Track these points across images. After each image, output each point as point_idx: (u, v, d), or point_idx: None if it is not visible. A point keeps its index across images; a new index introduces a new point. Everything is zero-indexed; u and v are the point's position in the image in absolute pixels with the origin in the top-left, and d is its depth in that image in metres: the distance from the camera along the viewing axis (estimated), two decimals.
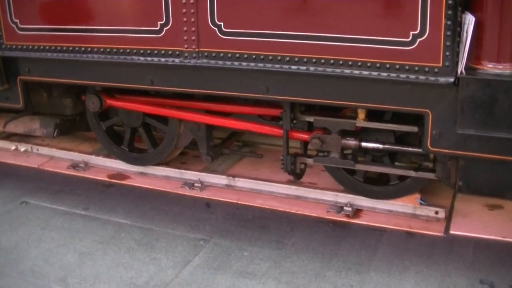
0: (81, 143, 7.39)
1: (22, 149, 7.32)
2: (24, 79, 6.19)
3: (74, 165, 6.81)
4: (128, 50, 5.44)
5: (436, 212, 5.31)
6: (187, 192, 6.08)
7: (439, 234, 5.13)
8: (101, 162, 6.79)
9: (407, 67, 4.46)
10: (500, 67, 4.33)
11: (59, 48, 5.79)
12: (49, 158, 7.13)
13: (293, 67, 4.79)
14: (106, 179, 6.53)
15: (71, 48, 5.73)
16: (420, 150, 4.88)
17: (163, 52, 5.26)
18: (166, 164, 6.49)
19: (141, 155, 6.51)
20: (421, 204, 5.38)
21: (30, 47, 5.94)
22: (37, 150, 7.27)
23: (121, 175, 6.56)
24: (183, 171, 6.32)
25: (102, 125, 6.57)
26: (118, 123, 6.62)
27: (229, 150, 6.36)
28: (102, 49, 5.56)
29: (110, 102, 6.22)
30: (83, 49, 5.67)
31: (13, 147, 7.37)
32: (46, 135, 7.01)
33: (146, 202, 5.92)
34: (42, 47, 5.87)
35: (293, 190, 5.81)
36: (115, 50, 5.50)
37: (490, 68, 4.35)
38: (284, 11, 4.73)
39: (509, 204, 5.43)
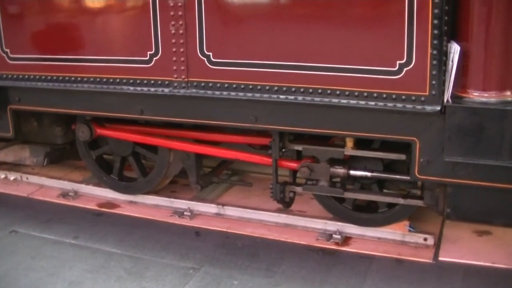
0: (71, 172, 7.39)
1: (12, 178, 7.30)
2: (14, 108, 6.22)
3: (64, 194, 6.80)
4: (118, 80, 5.48)
5: (425, 239, 5.33)
6: (177, 220, 6.08)
7: (428, 260, 5.15)
8: (91, 190, 6.79)
9: (394, 96, 4.51)
10: (486, 95, 4.39)
11: (49, 77, 5.83)
12: (39, 187, 7.12)
13: (281, 96, 4.83)
14: (96, 208, 6.52)
15: (61, 78, 5.77)
16: (408, 177, 4.90)
17: (152, 81, 5.30)
18: (156, 192, 6.49)
19: (131, 184, 6.52)
20: (410, 231, 5.40)
21: (21, 76, 5.98)
22: (27, 178, 7.26)
23: (111, 204, 6.56)
24: (173, 199, 6.34)
25: (92, 154, 6.59)
26: (108, 152, 6.63)
27: (219, 179, 6.37)
28: (92, 79, 5.60)
29: (100, 131, 6.24)
30: (73, 78, 5.70)
31: (3, 176, 7.35)
32: (36, 163, 7.01)
33: (136, 231, 5.91)
34: (32, 77, 5.91)
35: (282, 218, 5.83)
36: (105, 79, 5.54)
37: (476, 96, 4.41)
38: (272, 41, 4.78)
39: (498, 230, 5.46)
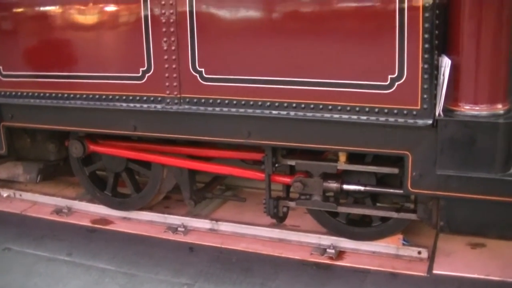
0: (64, 188, 7.38)
1: (5, 195, 7.30)
2: (7, 125, 6.22)
3: (58, 210, 6.78)
4: (110, 96, 5.50)
5: (419, 252, 5.33)
6: (170, 236, 6.07)
7: (422, 274, 5.15)
8: (85, 207, 6.78)
9: (386, 110, 4.54)
10: (477, 108, 4.42)
11: (42, 94, 5.85)
12: (32, 204, 7.10)
13: (274, 112, 4.86)
14: (90, 224, 6.50)
15: (54, 95, 5.79)
16: (401, 191, 4.92)
17: (145, 98, 5.32)
18: (150, 208, 6.49)
19: (125, 200, 6.52)
20: (404, 244, 5.41)
21: (14, 93, 6.00)
22: (20, 195, 7.25)
23: (105, 220, 6.55)
24: (166, 215, 6.33)
25: (86, 170, 6.58)
26: (101, 168, 6.63)
27: (212, 194, 6.36)
28: (84, 95, 5.62)
29: (93, 147, 6.24)
30: (66, 95, 5.73)
31: None
32: (29, 180, 7.00)
33: (130, 247, 5.90)
34: (25, 94, 5.93)
35: (276, 233, 5.82)
36: (97, 96, 5.56)
37: (467, 109, 4.44)
38: (264, 57, 4.81)
39: (492, 242, 5.46)
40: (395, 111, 4.51)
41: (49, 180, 7.29)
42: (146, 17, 5.17)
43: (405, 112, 4.49)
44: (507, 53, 4.42)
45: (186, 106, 5.17)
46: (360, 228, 5.57)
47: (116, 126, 5.63)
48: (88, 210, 6.74)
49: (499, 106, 4.44)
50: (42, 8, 5.72)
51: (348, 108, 4.63)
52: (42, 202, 7.07)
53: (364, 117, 4.60)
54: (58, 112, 5.84)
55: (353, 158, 5.12)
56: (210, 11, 4.94)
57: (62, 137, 6.52)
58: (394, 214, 5.23)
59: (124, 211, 6.52)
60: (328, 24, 4.59)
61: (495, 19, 4.32)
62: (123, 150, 6.13)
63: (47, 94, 5.82)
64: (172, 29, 5.06)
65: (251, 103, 4.92)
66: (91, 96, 5.58)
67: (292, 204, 5.52)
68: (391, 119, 4.54)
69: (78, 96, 5.65)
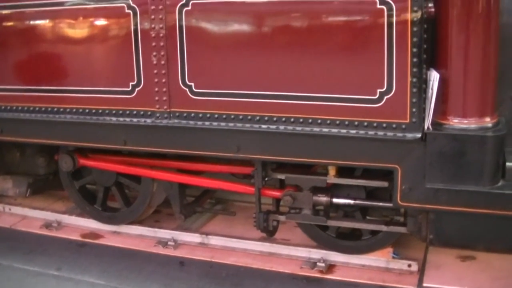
0: (54, 202, 7.34)
1: None
2: None
3: (47, 225, 6.74)
4: (100, 111, 5.50)
5: (409, 265, 5.33)
6: (160, 250, 6.04)
7: (412, 287, 5.14)
8: (74, 221, 6.74)
9: (375, 124, 4.56)
10: (466, 121, 4.46)
11: (31, 108, 5.84)
12: (22, 218, 7.06)
13: (263, 126, 4.88)
14: (79, 238, 6.46)
15: (43, 109, 5.78)
16: (390, 204, 4.93)
17: (135, 112, 5.33)
18: (140, 222, 6.46)
19: (115, 214, 6.49)
20: (394, 257, 5.40)
21: (3, 107, 5.99)
22: (10, 209, 7.20)
23: (95, 234, 6.51)
24: (156, 229, 6.30)
25: (75, 184, 6.56)
26: (91, 182, 6.61)
27: (202, 208, 6.36)
28: (74, 110, 5.62)
29: (83, 161, 6.22)
30: (55, 109, 5.72)
31: None
32: (19, 194, 6.98)
33: (120, 261, 5.87)
34: (15, 108, 5.93)
35: (266, 247, 5.81)
36: (87, 110, 5.56)
37: (456, 123, 4.48)
38: (253, 71, 4.84)
39: (481, 254, 5.45)
40: (384, 125, 4.54)
41: (39, 194, 7.25)
42: (136, 31, 5.19)
43: (394, 126, 4.52)
44: (495, 66, 4.48)
45: (176, 120, 5.17)
46: (350, 241, 5.57)
47: (106, 140, 5.62)
48: (78, 224, 6.71)
49: (488, 119, 4.49)
50: (31, 22, 5.73)
51: (338, 122, 4.65)
52: (31, 216, 7.02)
53: (353, 131, 4.62)
54: (48, 126, 5.82)
55: (342, 171, 5.13)
56: (200, 25, 4.96)
57: (51, 151, 6.51)
58: (383, 228, 5.24)
59: (114, 225, 6.49)
60: (317, 38, 4.62)
61: (482, 32, 4.36)
62: (113, 164, 6.12)
63: (37, 108, 5.82)
64: (162, 44, 5.08)
65: (241, 117, 4.94)
66: (81, 110, 5.58)
67: (282, 218, 5.51)
68: (380, 133, 4.56)
69: (68, 110, 5.65)
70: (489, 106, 4.52)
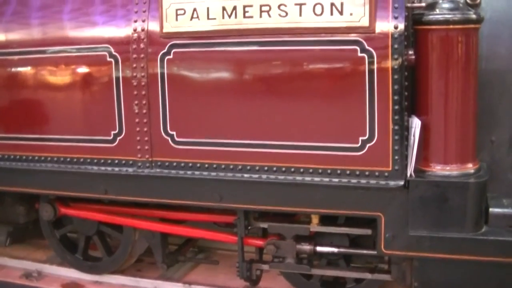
0: (34, 251, 7.22)
1: None
2: None
3: (27, 275, 6.62)
4: (82, 159, 5.46)
5: None
6: None
7: None
8: (55, 271, 6.62)
9: (357, 172, 4.56)
10: (448, 168, 4.49)
11: (12, 156, 5.78)
12: (1, 268, 6.91)
13: (245, 175, 4.86)
14: None
15: (24, 157, 5.73)
16: (374, 252, 4.89)
17: (116, 161, 5.30)
18: (122, 272, 6.36)
19: (96, 263, 6.39)
20: None
21: None
22: None
23: (76, 284, 6.40)
24: (138, 279, 6.21)
25: (56, 233, 6.46)
26: (72, 231, 6.52)
27: (185, 257, 6.28)
28: (55, 158, 5.57)
29: (64, 210, 6.14)
30: (36, 158, 5.67)
31: None
32: None
33: None
34: None
35: None
36: (68, 159, 5.52)
37: (438, 169, 4.52)
38: (235, 120, 4.83)
39: None
40: (367, 172, 4.54)
41: (19, 243, 7.15)
42: (117, 79, 5.18)
43: (376, 173, 4.52)
44: (475, 112, 4.55)
45: (158, 170, 5.15)
46: None
47: (87, 189, 5.56)
48: (59, 274, 6.58)
49: (469, 165, 4.52)
50: (12, 69, 5.70)
51: (320, 170, 4.65)
52: (11, 266, 6.88)
53: (336, 180, 4.61)
54: (28, 175, 5.76)
55: (325, 219, 5.10)
56: (181, 74, 4.97)
57: (32, 199, 6.42)
58: (368, 275, 5.20)
59: (95, 275, 6.38)
60: (298, 86, 4.64)
61: (462, 79, 4.43)
62: (94, 213, 6.04)
63: (18, 157, 5.76)
64: (143, 92, 5.08)
65: (223, 166, 4.92)
66: (62, 159, 5.54)
67: (265, 267, 5.44)
68: (363, 181, 4.56)
69: (49, 159, 5.60)
70: (470, 152, 4.56)
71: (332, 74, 4.56)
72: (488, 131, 4.83)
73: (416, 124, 4.42)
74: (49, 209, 6.15)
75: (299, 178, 4.71)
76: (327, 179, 4.63)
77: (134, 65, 5.08)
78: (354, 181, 4.58)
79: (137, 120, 5.13)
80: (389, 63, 4.35)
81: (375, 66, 4.39)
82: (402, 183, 4.47)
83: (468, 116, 4.49)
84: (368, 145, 4.50)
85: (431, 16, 4.42)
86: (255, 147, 4.80)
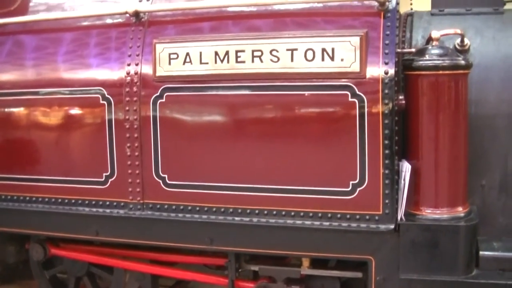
0: None
1: None
2: None
3: None
4: (73, 201, 5.45)
5: None
6: None
7: None
8: None
9: (348, 216, 4.58)
10: (438, 212, 4.51)
11: (2, 197, 5.77)
12: None
13: (236, 218, 4.86)
14: None
15: (15, 197, 5.71)
16: None
17: (108, 203, 5.29)
18: None
19: None
20: None
21: None
22: None
23: None
24: None
25: (46, 273, 6.41)
26: (62, 271, 6.48)
27: None
28: (47, 199, 5.56)
29: (55, 251, 6.10)
30: (27, 198, 5.66)
31: None
32: None
33: None
34: None
35: None
36: (59, 200, 5.50)
37: (428, 213, 4.54)
38: (226, 163, 4.85)
39: None
40: (358, 216, 4.56)
41: (8, 283, 7.10)
42: (110, 122, 5.20)
43: (367, 217, 4.54)
44: (466, 156, 4.58)
45: (149, 212, 5.15)
46: None
47: (78, 230, 5.54)
48: None
49: (460, 209, 4.55)
50: (5, 110, 5.72)
51: (311, 214, 4.66)
52: None
53: (327, 223, 4.63)
54: (19, 215, 5.74)
55: (316, 262, 5.10)
56: (173, 117, 4.99)
57: (22, 239, 6.38)
58: None
59: None
60: (290, 130, 4.67)
61: (451, 124, 4.47)
62: (84, 254, 6.00)
63: (8, 197, 5.75)
64: (135, 135, 5.10)
65: (214, 209, 4.93)
66: (53, 199, 5.53)
67: None
68: (354, 225, 4.57)
69: (40, 199, 5.59)
70: (461, 196, 4.59)
71: (323, 118, 4.60)
72: (478, 175, 4.85)
73: (406, 168, 4.45)
74: (39, 249, 6.10)
75: (290, 221, 4.71)
76: (317, 223, 4.64)
77: (127, 108, 5.11)
78: (344, 224, 4.59)
79: (129, 162, 5.15)
80: (380, 108, 4.40)
81: (366, 110, 4.43)
82: (392, 226, 4.48)
83: (458, 160, 4.52)
84: (358, 189, 4.52)
85: (421, 62, 4.47)
86: (247, 191, 4.81)
